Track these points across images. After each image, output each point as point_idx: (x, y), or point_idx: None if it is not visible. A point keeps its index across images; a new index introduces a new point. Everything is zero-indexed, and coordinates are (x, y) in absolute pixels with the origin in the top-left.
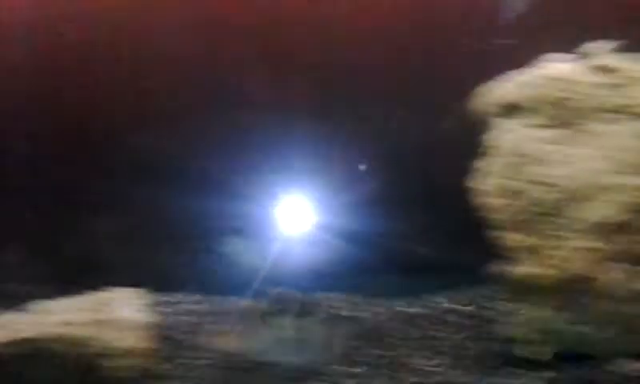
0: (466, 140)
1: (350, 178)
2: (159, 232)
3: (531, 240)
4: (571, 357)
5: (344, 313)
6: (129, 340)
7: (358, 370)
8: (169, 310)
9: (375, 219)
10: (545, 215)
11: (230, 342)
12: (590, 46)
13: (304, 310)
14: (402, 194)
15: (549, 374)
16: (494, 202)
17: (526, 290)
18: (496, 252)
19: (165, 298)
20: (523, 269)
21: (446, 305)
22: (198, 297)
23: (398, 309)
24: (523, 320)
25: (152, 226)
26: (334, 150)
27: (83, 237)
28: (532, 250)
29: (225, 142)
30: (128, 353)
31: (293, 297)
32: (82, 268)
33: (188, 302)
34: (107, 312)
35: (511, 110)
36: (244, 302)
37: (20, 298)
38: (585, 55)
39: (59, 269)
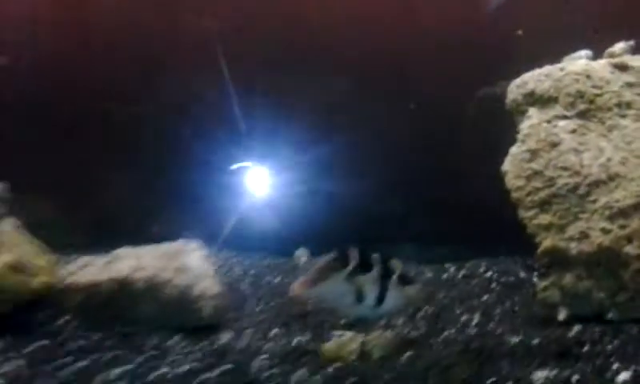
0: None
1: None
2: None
3: (554, 219)
4: (592, 318)
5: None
6: (205, 285)
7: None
8: (229, 263)
9: (416, 193)
10: (565, 197)
11: (302, 290)
12: (612, 45)
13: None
14: (447, 176)
15: (574, 332)
16: (522, 183)
17: (554, 261)
18: (523, 229)
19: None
20: (551, 242)
21: (488, 273)
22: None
23: (444, 275)
24: (552, 286)
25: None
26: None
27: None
28: (555, 228)
29: None
30: (208, 296)
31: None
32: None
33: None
34: (180, 260)
35: (537, 100)
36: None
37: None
38: (606, 53)
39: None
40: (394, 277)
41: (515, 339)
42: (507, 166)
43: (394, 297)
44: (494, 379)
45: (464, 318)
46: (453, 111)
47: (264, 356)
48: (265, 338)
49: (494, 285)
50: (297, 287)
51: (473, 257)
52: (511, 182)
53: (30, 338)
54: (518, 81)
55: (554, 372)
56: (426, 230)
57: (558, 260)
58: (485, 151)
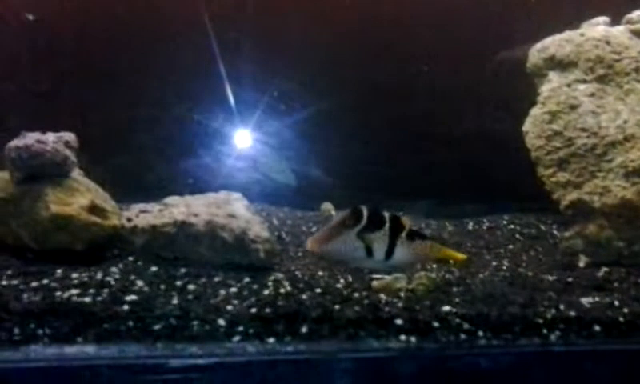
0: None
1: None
2: None
3: (571, 176)
4: (610, 264)
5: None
6: (256, 230)
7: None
8: (265, 214)
9: (440, 151)
10: (583, 157)
11: (316, 245)
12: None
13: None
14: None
15: (602, 272)
16: (542, 143)
17: (578, 213)
18: (543, 186)
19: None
20: (576, 196)
21: (511, 226)
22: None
23: (470, 227)
24: (575, 236)
25: None
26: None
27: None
28: (572, 185)
29: None
30: (261, 240)
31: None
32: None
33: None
34: (228, 208)
35: (557, 64)
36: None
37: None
38: (625, 20)
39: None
40: (403, 233)
41: (550, 278)
42: (528, 126)
43: (402, 252)
44: (547, 303)
45: (494, 263)
46: (471, 73)
47: (318, 290)
48: (313, 278)
49: (517, 236)
50: (311, 242)
51: (490, 213)
52: (531, 141)
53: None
54: (538, 45)
55: (597, 299)
56: (445, 187)
57: (582, 212)
58: (502, 112)
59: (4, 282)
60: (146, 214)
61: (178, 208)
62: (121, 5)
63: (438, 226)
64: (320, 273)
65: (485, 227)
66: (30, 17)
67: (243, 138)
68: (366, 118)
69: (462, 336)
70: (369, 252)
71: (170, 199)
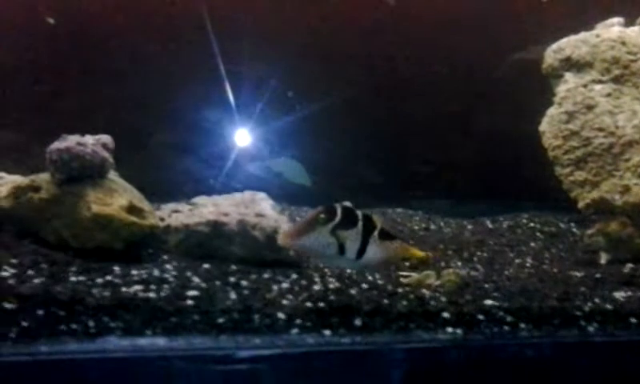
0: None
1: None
2: None
3: (588, 175)
4: (631, 261)
5: (432, 227)
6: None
7: (460, 263)
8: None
9: (458, 151)
10: (600, 156)
11: (288, 240)
12: None
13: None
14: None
15: (628, 268)
16: (559, 143)
17: (599, 211)
18: (560, 184)
19: None
20: (597, 194)
21: (531, 224)
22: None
23: (490, 225)
24: (597, 233)
25: None
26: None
27: None
28: (590, 184)
29: None
30: None
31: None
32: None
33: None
34: (256, 207)
35: (573, 65)
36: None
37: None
38: (639, 21)
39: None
40: (375, 232)
41: (578, 274)
42: (545, 126)
43: (374, 251)
44: (582, 297)
45: (518, 261)
46: (487, 74)
47: (364, 285)
48: (343, 275)
49: (537, 234)
50: (283, 236)
51: (505, 211)
52: (549, 141)
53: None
54: (554, 46)
55: (629, 293)
56: (461, 186)
57: (603, 210)
58: (517, 112)
59: (73, 278)
60: (178, 214)
61: (207, 208)
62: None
63: (457, 226)
64: (348, 270)
65: (505, 226)
66: (51, 20)
67: (259, 139)
68: (381, 118)
69: (505, 328)
70: (341, 249)
71: (199, 199)
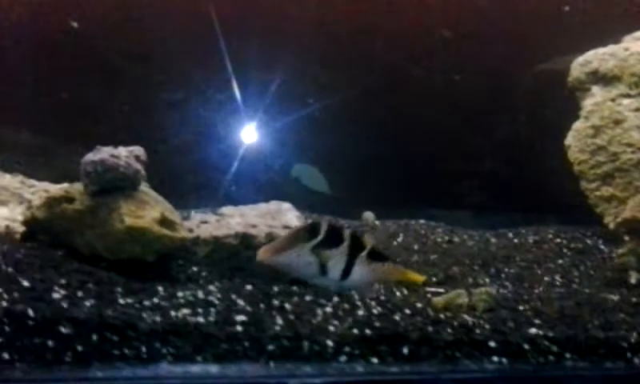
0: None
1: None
2: None
3: (615, 191)
4: None
5: (456, 239)
6: None
7: (487, 279)
8: None
9: (480, 162)
10: (628, 172)
11: (267, 257)
12: None
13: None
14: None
15: None
16: (585, 157)
17: (632, 230)
18: (585, 199)
19: None
20: (630, 213)
21: (557, 240)
22: None
23: (515, 240)
24: (629, 253)
25: None
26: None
27: None
28: (617, 200)
29: None
30: None
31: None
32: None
33: None
34: (282, 218)
35: (600, 79)
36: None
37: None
38: None
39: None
40: (363, 253)
41: (614, 298)
42: (570, 140)
43: (361, 272)
44: (626, 326)
45: (546, 278)
46: (510, 85)
47: (373, 304)
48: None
49: (564, 250)
50: (262, 252)
51: (526, 224)
52: (574, 155)
53: (173, 283)
54: (581, 59)
55: None
56: (481, 197)
57: (636, 229)
58: (540, 125)
59: (121, 301)
60: (206, 225)
61: (235, 218)
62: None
63: (480, 238)
64: (375, 285)
65: (530, 241)
66: (75, 24)
67: (277, 145)
68: (402, 127)
69: (551, 357)
70: (323, 269)
71: (225, 209)
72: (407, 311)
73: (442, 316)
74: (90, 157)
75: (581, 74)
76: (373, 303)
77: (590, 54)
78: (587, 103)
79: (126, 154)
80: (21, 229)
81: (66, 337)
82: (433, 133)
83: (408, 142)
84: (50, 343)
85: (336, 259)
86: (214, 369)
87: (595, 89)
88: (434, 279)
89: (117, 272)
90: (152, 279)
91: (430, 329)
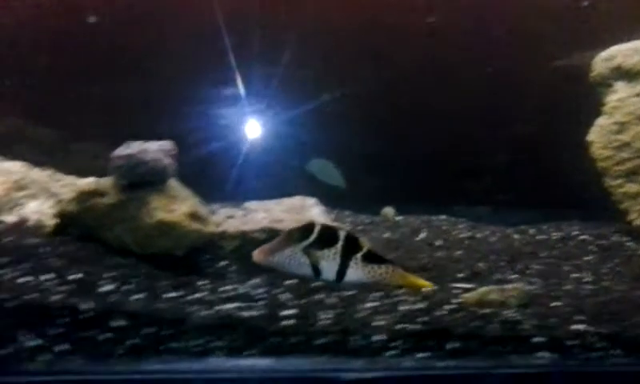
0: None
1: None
2: None
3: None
4: None
5: (478, 235)
6: None
7: (514, 276)
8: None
9: (500, 157)
10: None
11: (261, 258)
12: None
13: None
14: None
15: None
16: (609, 154)
17: None
18: (609, 195)
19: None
20: None
21: (582, 236)
22: None
23: (538, 236)
24: None
25: None
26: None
27: None
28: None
29: None
30: None
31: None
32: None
33: None
34: (307, 213)
35: (624, 74)
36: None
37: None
38: None
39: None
40: (359, 255)
41: None
42: (593, 136)
43: (355, 274)
44: None
45: (574, 275)
46: (530, 80)
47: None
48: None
49: (590, 247)
50: (257, 254)
51: (547, 220)
52: (598, 151)
53: (202, 277)
54: (604, 55)
55: None
56: (502, 193)
57: None
58: (559, 121)
59: (167, 295)
60: (232, 220)
61: (260, 213)
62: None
63: (502, 235)
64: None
65: (554, 237)
66: (92, 19)
67: (293, 140)
68: (422, 123)
69: (598, 354)
70: (315, 270)
71: (250, 204)
72: (447, 307)
73: (483, 311)
74: (120, 151)
75: (604, 70)
76: (410, 299)
77: (614, 50)
78: (610, 99)
79: (156, 149)
80: (50, 222)
81: (119, 329)
82: (451, 128)
83: (426, 137)
84: (104, 336)
85: (329, 260)
86: (265, 362)
87: (619, 84)
88: (461, 275)
89: (152, 266)
90: (188, 273)
91: (475, 324)
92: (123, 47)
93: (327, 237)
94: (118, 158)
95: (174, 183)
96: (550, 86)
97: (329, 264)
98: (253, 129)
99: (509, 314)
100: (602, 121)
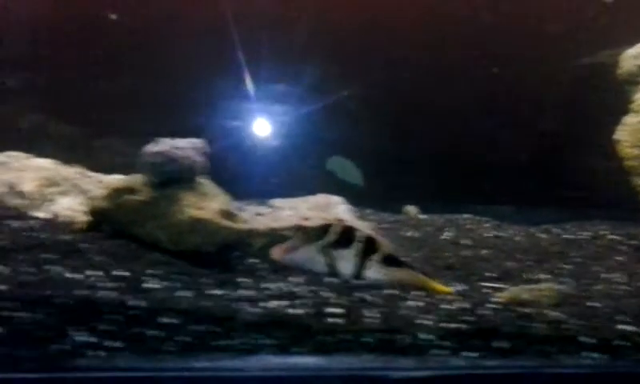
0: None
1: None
2: None
3: None
4: None
5: (503, 235)
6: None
7: (544, 275)
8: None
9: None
10: None
11: (280, 255)
12: None
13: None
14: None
15: None
16: (638, 152)
17: None
18: (637, 195)
19: None
20: None
21: (611, 235)
22: None
23: (565, 235)
24: None
25: None
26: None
27: None
28: None
29: None
30: None
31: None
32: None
33: None
34: (333, 211)
35: None
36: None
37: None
38: None
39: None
40: (376, 256)
41: None
42: (621, 135)
43: (373, 275)
44: None
45: (606, 275)
46: (556, 77)
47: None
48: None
49: (620, 247)
50: (275, 251)
51: (571, 219)
52: (625, 150)
53: (239, 274)
54: (632, 51)
55: None
56: (524, 192)
57: None
58: (585, 118)
59: (212, 292)
60: (261, 217)
61: (286, 211)
62: None
63: (527, 234)
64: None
65: (583, 237)
66: (113, 16)
67: (312, 138)
68: (444, 121)
69: None
70: (332, 269)
71: (275, 201)
72: (490, 306)
73: (525, 311)
74: (151, 148)
75: (632, 67)
76: (448, 298)
77: None
78: (638, 97)
79: (187, 146)
80: (81, 218)
81: (168, 327)
82: (475, 127)
83: (447, 135)
84: (154, 332)
85: (345, 260)
86: (314, 360)
87: None
88: (490, 274)
89: (187, 263)
90: (223, 270)
91: (517, 323)
92: (146, 43)
93: (345, 237)
94: (149, 155)
95: (203, 180)
96: (576, 84)
97: (345, 264)
98: (271, 126)
99: (549, 313)
100: (630, 119)
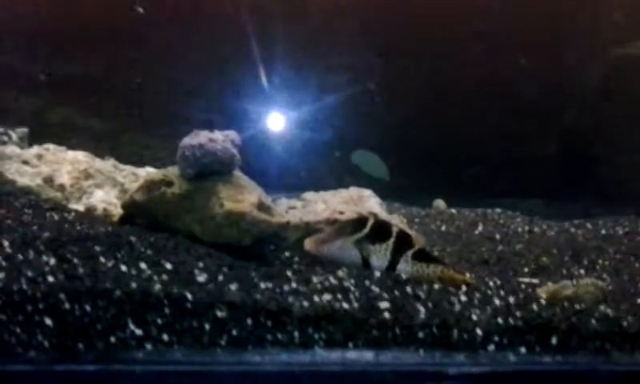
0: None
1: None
2: None
3: None
4: None
5: (536, 230)
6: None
7: (582, 271)
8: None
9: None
10: None
11: (313, 247)
12: None
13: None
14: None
15: None
16: None
17: None
18: None
19: None
20: None
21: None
22: None
23: (602, 231)
24: None
25: None
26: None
27: None
28: None
29: None
30: None
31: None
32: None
33: None
34: (365, 205)
35: None
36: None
37: None
38: None
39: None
40: (410, 252)
41: None
42: None
43: (405, 271)
44: None
45: None
46: (589, 70)
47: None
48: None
49: None
50: (309, 243)
51: (602, 214)
52: None
53: (269, 267)
54: None
55: None
56: (552, 185)
57: None
58: (614, 112)
59: (262, 285)
60: (294, 210)
61: (319, 204)
62: None
63: (560, 229)
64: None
65: (620, 232)
66: (141, 10)
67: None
68: (471, 116)
69: None
70: (365, 263)
71: (307, 195)
72: (541, 301)
73: (577, 307)
74: (188, 141)
75: None
76: (501, 292)
77: None
78: None
79: (223, 138)
80: (116, 211)
81: (221, 320)
82: (504, 121)
83: (476, 129)
84: (206, 326)
85: (379, 255)
86: (367, 355)
87: None
88: (526, 270)
89: (229, 256)
90: (266, 263)
91: (574, 319)
92: (173, 39)
93: (379, 232)
94: (186, 148)
95: (238, 173)
96: (610, 76)
97: (378, 258)
98: (297, 120)
99: (600, 309)
100: None
